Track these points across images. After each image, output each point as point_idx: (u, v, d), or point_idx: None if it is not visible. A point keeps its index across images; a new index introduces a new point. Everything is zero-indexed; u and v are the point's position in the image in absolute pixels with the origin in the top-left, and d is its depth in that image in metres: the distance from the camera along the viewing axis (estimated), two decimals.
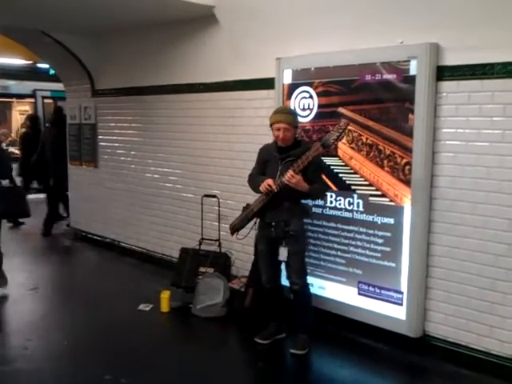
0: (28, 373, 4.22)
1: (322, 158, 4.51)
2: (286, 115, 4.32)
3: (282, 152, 4.37)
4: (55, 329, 5.13)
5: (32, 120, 10.40)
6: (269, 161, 4.48)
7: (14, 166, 7.58)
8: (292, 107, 5.00)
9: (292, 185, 4.15)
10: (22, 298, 5.91)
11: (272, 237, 4.46)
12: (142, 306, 5.52)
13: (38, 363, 4.40)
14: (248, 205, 4.70)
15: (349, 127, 4.56)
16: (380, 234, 4.52)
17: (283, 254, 4.41)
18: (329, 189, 4.65)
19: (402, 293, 4.42)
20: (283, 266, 4.63)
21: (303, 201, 4.58)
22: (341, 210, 4.78)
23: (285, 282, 4.72)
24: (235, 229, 4.75)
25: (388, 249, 4.48)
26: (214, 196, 6.01)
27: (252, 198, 5.57)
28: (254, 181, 4.59)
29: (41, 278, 6.69)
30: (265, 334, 4.74)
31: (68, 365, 4.38)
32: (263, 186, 4.33)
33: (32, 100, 14.94)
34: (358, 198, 4.65)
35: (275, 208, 4.38)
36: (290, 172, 4.14)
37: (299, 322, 4.61)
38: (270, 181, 4.30)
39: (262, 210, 4.46)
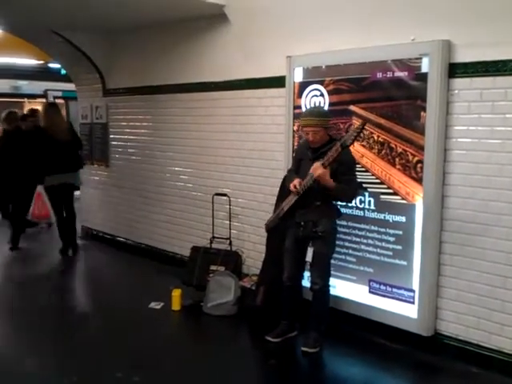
0: (39, 370, 4.24)
1: None
2: (313, 118, 4.28)
3: (314, 151, 4.37)
4: (66, 327, 5.16)
5: None
6: (302, 159, 4.49)
7: None
8: (302, 105, 5.02)
9: (316, 176, 4.11)
10: (36, 295, 5.95)
11: (300, 236, 4.46)
12: (153, 304, 5.53)
13: (49, 360, 4.43)
14: (280, 203, 4.70)
15: (357, 123, 4.57)
16: (391, 232, 4.51)
17: (310, 254, 4.42)
18: (357, 193, 4.50)
19: (413, 291, 4.41)
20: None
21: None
22: (352, 208, 4.77)
23: (305, 282, 4.76)
24: (269, 228, 4.78)
25: (399, 247, 4.47)
26: (225, 194, 6.02)
27: (262, 196, 5.62)
28: (288, 179, 4.61)
29: (52, 276, 6.74)
30: (276, 332, 4.74)
31: (79, 362, 4.40)
32: (291, 186, 4.37)
33: (43, 100, 15.01)
34: (369, 196, 4.64)
35: (305, 207, 4.38)
36: (316, 164, 4.13)
37: (313, 320, 4.60)
38: (296, 181, 4.33)
39: (292, 208, 4.46)
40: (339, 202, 4.63)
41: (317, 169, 4.12)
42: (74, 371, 4.20)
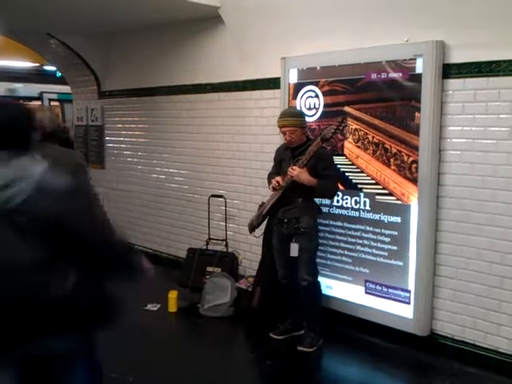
0: None
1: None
2: (288, 119, 4.36)
3: (293, 151, 4.42)
4: None
5: None
6: (283, 160, 4.53)
7: None
8: (298, 107, 5.02)
9: (295, 177, 4.20)
10: None
11: (284, 233, 4.49)
12: (149, 306, 5.53)
13: None
14: (264, 202, 4.73)
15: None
16: (387, 232, 4.51)
17: (293, 250, 4.44)
18: (337, 189, 4.52)
19: (409, 291, 4.42)
20: None
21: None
22: (347, 208, 4.78)
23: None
24: (252, 226, 4.79)
25: (395, 247, 4.48)
26: (221, 196, 6.02)
27: (258, 197, 5.62)
28: (268, 179, 4.66)
29: None
30: (280, 329, 4.77)
31: None
32: (273, 182, 4.43)
33: (39, 102, 14.99)
34: (364, 197, 4.65)
35: (288, 205, 4.43)
36: (292, 167, 4.22)
37: (306, 319, 4.63)
38: (278, 178, 4.40)
39: (275, 206, 4.50)
40: (318, 200, 4.67)
41: (292, 171, 4.21)
42: None
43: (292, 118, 4.36)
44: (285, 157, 4.52)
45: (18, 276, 2.03)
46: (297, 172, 4.20)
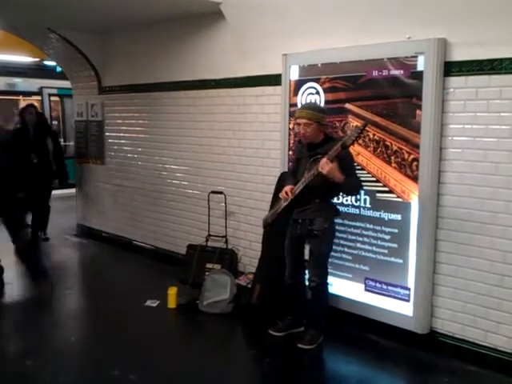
0: (36, 369, 4.23)
1: None
2: (306, 111, 4.29)
3: (310, 149, 4.36)
4: (62, 324, 5.15)
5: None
6: (301, 158, 4.49)
7: None
8: (298, 103, 5.01)
9: (325, 172, 4.05)
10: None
11: (297, 234, 4.48)
12: (149, 302, 5.53)
13: (45, 359, 4.42)
14: (279, 198, 4.68)
15: (357, 123, 4.58)
16: (387, 230, 4.51)
17: (307, 252, 4.44)
18: (362, 186, 4.43)
19: (409, 289, 4.42)
20: None
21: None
22: (348, 206, 4.77)
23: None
24: (267, 223, 4.77)
25: (395, 245, 4.47)
26: (221, 192, 6.02)
27: (258, 194, 5.63)
28: (285, 179, 4.68)
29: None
30: (279, 326, 4.77)
31: (75, 361, 4.40)
32: (282, 194, 4.43)
33: (39, 98, 14.94)
34: (365, 194, 4.64)
35: (303, 205, 4.39)
36: (323, 160, 4.07)
37: (310, 317, 4.64)
38: (287, 188, 4.38)
39: (291, 206, 4.46)
40: (336, 200, 4.65)
41: (325, 165, 4.06)
42: (69, 369, 4.20)
43: (309, 110, 4.28)
44: (302, 155, 4.45)
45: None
46: (329, 167, 4.04)
